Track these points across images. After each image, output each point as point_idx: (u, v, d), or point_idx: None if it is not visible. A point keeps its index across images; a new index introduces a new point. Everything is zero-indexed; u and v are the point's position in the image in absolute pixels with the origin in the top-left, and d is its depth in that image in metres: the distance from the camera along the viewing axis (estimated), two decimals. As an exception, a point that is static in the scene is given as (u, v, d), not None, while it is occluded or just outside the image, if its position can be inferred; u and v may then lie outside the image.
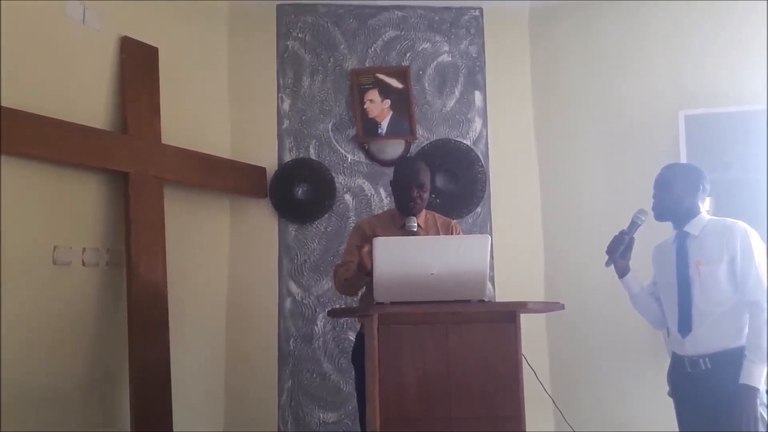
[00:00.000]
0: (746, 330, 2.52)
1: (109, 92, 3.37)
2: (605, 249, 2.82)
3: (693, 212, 2.68)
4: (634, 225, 2.79)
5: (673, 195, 2.69)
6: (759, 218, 3.20)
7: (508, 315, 2.40)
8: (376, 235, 2.57)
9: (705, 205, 2.74)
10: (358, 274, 2.73)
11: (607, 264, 2.83)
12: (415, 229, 2.85)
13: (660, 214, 2.74)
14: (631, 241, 2.81)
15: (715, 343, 2.55)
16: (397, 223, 2.97)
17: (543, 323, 3.96)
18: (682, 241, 2.69)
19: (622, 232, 2.80)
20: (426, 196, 2.96)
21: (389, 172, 4.00)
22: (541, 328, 3.95)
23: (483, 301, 2.47)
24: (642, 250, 2.86)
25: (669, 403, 2.75)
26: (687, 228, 2.68)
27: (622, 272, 2.84)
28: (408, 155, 4.04)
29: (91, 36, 3.29)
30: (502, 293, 3.86)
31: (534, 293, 3.88)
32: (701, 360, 2.57)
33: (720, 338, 2.55)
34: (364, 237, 2.88)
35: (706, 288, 2.58)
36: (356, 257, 2.76)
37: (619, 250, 2.79)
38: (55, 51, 3.12)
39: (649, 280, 2.90)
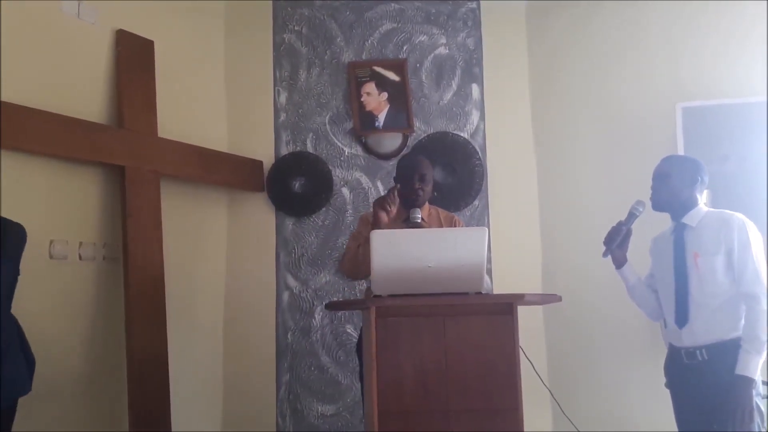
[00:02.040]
0: (743, 321, 2.52)
1: (105, 86, 3.36)
2: (602, 240, 2.83)
3: (691, 204, 2.68)
4: (631, 216, 2.79)
5: (671, 187, 2.69)
6: (756, 210, 3.21)
7: (506, 307, 2.41)
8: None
9: (703, 198, 2.74)
10: (364, 246, 2.72)
11: (605, 255, 2.83)
12: (419, 221, 2.86)
13: (658, 206, 2.74)
14: (629, 232, 2.81)
15: (712, 335, 2.56)
16: (401, 216, 2.98)
17: (540, 316, 3.96)
18: (679, 232, 2.69)
19: (619, 223, 2.81)
20: (428, 188, 2.99)
21: (386, 165, 4.01)
22: (538, 322, 3.94)
23: (480, 293, 2.47)
24: (640, 242, 2.86)
25: (666, 395, 2.76)
26: (685, 220, 2.68)
27: (619, 263, 2.84)
28: (408, 149, 4.03)
29: (86, 29, 3.28)
30: (500, 286, 3.86)
31: (531, 286, 3.88)
32: (698, 351, 2.57)
33: (716, 329, 2.55)
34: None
35: (703, 280, 2.58)
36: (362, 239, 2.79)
37: (616, 241, 2.80)
38: (50, 45, 3.11)
39: (647, 272, 2.90)
